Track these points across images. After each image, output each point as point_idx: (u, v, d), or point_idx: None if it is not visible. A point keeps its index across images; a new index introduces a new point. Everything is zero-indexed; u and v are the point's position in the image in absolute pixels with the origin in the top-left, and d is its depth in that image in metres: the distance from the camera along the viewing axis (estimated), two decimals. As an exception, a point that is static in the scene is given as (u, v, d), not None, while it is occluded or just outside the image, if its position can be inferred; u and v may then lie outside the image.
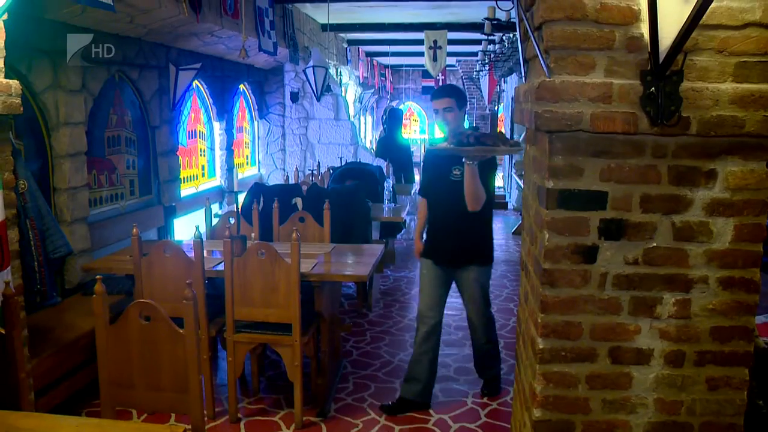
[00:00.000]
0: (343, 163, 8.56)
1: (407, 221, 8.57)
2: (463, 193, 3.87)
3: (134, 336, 2.71)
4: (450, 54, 12.09)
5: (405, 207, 7.39)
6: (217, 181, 8.88)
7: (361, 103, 15.85)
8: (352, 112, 11.94)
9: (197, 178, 8.20)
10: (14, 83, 3.34)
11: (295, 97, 10.77)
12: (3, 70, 3.33)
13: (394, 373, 4.88)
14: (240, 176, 9.59)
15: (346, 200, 6.03)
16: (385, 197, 7.21)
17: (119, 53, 5.83)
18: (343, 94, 12.57)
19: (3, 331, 2.66)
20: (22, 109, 3.41)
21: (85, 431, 2.01)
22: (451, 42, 10.61)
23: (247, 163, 10.29)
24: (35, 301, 4.03)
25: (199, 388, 2.67)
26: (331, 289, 4.35)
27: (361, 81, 15.62)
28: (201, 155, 8.36)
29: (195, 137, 8.13)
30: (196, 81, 7.48)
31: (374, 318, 6.20)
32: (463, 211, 3.96)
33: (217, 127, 8.78)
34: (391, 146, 9.39)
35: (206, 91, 8.38)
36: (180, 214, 7.05)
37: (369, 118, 19.58)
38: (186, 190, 7.63)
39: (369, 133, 19.47)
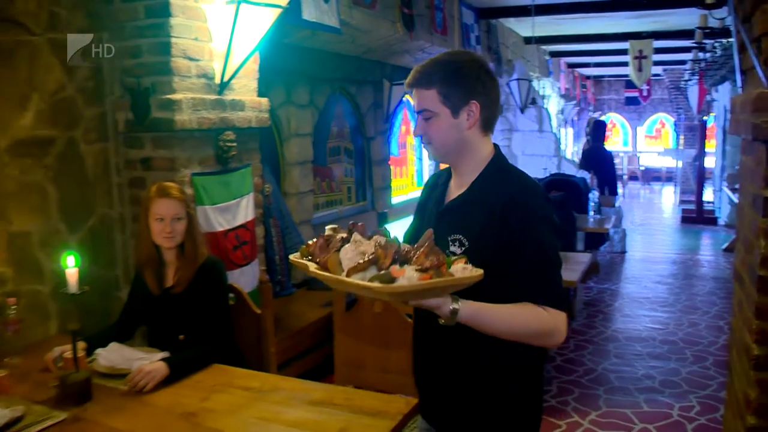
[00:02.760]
0: (547, 175, 8.65)
1: (611, 234, 8.49)
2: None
3: (367, 322, 3.06)
4: (656, 63, 11.71)
5: (609, 219, 7.35)
6: (426, 190, 9.26)
7: (562, 115, 15.73)
8: (554, 124, 11.93)
9: (407, 187, 8.65)
10: (264, 101, 3.86)
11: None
12: (257, 89, 3.86)
13: (598, 381, 4.93)
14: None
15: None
16: (590, 208, 7.23)
17: (341, 70, 6.37)
18: (545, 105, 12.60)
19: (259, 311, 3.10)
20: (269, 122, 3.93)
21: (335, 395, 2.34)
22: (656, 50, 10.31)
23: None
24: (275, 290, 4.55)
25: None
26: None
27: (562, 93, 15.51)
28: (411, 165, 8.81)
29: (405, 148, 8.59)
30: (407, 95, 7.91)
31: (577, 327, 6.25)
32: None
33: (425, 138, 9.18)
34: (595, 158, 9.33)
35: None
36: (391, 220, 7.48)
37: (570, 130, 19.33)
38: (396, 198, 8.08)
39: (570, 145, 19.23)
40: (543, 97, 12.82)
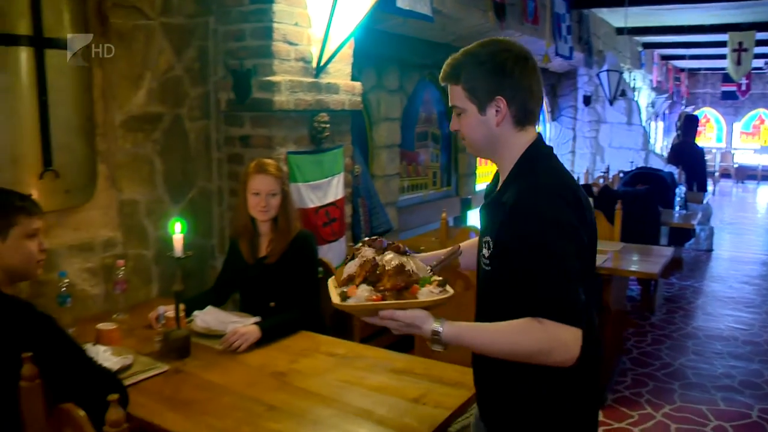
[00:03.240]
0: (633, 168, 8.55)
1: (697, 231, 8.35)
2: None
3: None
4: (757, 56, 11.26)
5: (696, 215, 7.24)
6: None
7: (653, 108, 15.41)
8: (644, 117, 11.74)
9: (491, 174, 8.69)
10: (357, 85, 4.02)
11: (587, 100, 10.88)
12: (350, 74, 4.02)
13: (674, 376, 4.91)
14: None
15: (637, 203, 6.12)
16: (676, 203, 7.14)
17: (430, 57, 6.48)
18: (636, 98, 12.39)
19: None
20: (361, 105, 4.09)
21: (415, 365, 2.48)
22: (758, 42, 9.92)
23: (538, 163, 10.59)
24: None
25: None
26: (619, 284, 4.54)
27: (654, 85, 15.17)
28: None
29: (491, 135, 8.65)
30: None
31: (656, 321, 6.21)
32: None
33: (511, 127, 9.22)
34: (684, 153, 9.14)
35: (503, 93, 8.84)
36: (475, 206, 7.57)
37: (660, 124, 18.89)
38: (480, 185, 8.15)
39: (660, 139, 18.79)
40: (633, 89, 12.61)
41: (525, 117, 1.73)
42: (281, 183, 3.02)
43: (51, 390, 1.78)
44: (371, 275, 1.70)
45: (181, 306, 2.75)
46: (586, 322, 1.59)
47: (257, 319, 2.81)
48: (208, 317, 2.88)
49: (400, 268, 1.69)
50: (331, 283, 1.82)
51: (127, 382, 2.20)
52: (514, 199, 1.64)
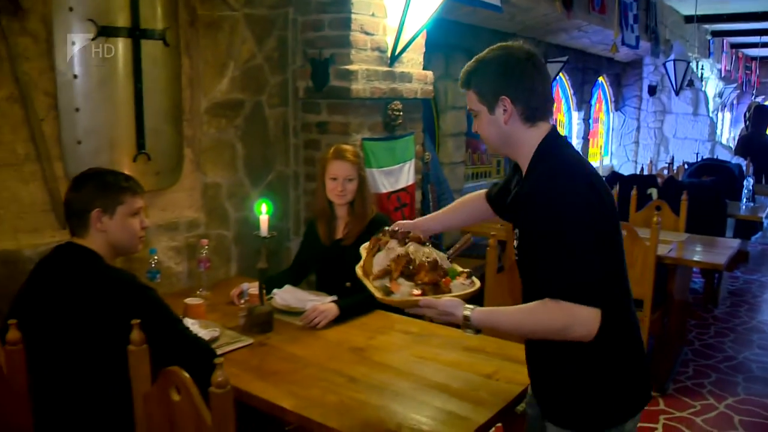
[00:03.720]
0: (699, 159, 8.45)
1: (765, 224, 8.20)
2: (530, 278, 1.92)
3: (516, 282, 3.28)
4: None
5: (764, 208, 7.13)
6: (572, 168, 9.31)
7: (720, 99, 15.07)
8: (711, 107, 11.53)
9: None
10: (429, 74, 4.13)
11: (653, 90, 10.76)
12: (422, 63, 4.13)
13: (737, 369, 4.90)
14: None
15: (702, 195, 6.08)
16: (743, 196, 7.05)
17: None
18: (703, 88, 12.16)
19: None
20: (433, 94, 4.20)
21: (488, 343, 2.59)
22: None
23: (600, 153, 10.56)
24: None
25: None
26: (683, 274, 4.56)
27: (722, 75, 14.83)
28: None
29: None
30: (560, 73, 7.96)
31: (720, 314, 6.18)
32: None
33: (576, 116, 9.23)
34: (753, 144, 9.00)
35: (568, 82, 8.85)
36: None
37: (727, 115, 18.44)
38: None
39: (726, 131, 18.35)
40: (701, 78, 12.39)
41: (533, 114, 1.84)
42: (358, 168, 3.15)
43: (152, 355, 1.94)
44: (406, 269, 1.89)
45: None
46: (616, 302, 1.78)
47: (334, 297, 2.96)
48: (286, 295, 3.04)
49: (435, 264, 1.90)
50: (361, 273, 1.99)
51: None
52: (530, 187, 1.79)
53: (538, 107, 1.84)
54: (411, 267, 1.89)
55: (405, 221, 2.35)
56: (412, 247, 1.95)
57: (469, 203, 2.40)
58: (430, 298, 1.82)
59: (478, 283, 1.91)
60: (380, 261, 1.95)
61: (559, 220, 1.70)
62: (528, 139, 1.86)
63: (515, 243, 1.88)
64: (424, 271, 1.87)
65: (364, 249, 2.08)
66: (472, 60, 1.91)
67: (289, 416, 2.08)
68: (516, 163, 1.98)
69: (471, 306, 1.80)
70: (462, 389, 2.21)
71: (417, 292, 1.83)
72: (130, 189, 2.31)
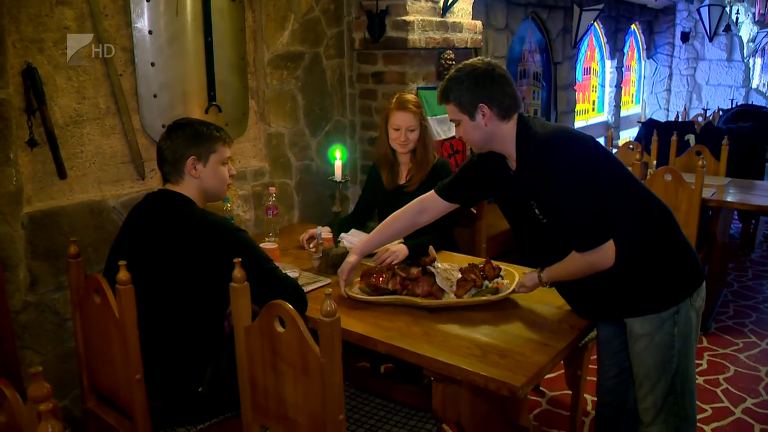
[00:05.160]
0: (734, 105, 8.44)
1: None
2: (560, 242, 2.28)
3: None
4: None
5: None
6: (604, 116, 9.35)
7: (754, 44, 14.85)
8: (745, 53, 11.39)
9: (588, 113, 8.77)
10: (478, 23, 4.21)
11: (685, 37, 10.66)
12: (471, 12, 4.21)
13: (778, 309, 5.04)
14: (623, 113, 9.92)
15: (740, 140, 6.13)
16: (781, 140, 7.07)
17: (535, -4, 6.58)
18: (738, 32, 12.00)
19: (474, 210, 3.53)
20: (482, 43, 4.27)
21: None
22: None
23: (632, 102, 10.54)
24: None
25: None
26: (725, 216, 4.66)
27: (756, 18, 14.57)
28: (592, 91, 8.89)
29: (588, 74, 8.68)
30: (595, 21, 7.94)
31: (756, 258, 6.29)
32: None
33: (609, 65, 9.21)
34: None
35: (602, 30, 8.82)
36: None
37: (758, 60, 18.15)
38: (578, 123, 8.23)
39: (757, 77, 18.09)
40: (736, 23, 12.22)
41: (506, 112, 2.22)
42: (419, 118, 3.26)
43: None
44: (484, 274, 2.60)
45: (328, 228, 3.08)
46: (644, 213, 2.22)
47: (401, 239, 3.10)
48: (353, 238, 3.18)
49: (468, 270, 2.60)
50: (461, 291, 2.54)
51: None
52: (539, 161, 2.14)
53: (509, 106, 2.22)
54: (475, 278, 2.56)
55: (358, 245, 2.75)
56: (444, 266, 2.63)
57: (401, 216, 2.74)
58: (515, 284, 2.51)
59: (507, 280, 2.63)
60: (442, 281, 2.53)
61: (567, 179, 2.09)
62: (507, 132, 2.25)
63: (536, 212, 2.24)
64: (477, 277, 2.57)
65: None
66: (444, 80, 2.29)
67: (381, 346, 2.23)
68: (479, 155, 2.44)
69: (538, 269, 2.39)
70: (545, 316, 2.41)
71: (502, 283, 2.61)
72: (221, 138, 2.45)
